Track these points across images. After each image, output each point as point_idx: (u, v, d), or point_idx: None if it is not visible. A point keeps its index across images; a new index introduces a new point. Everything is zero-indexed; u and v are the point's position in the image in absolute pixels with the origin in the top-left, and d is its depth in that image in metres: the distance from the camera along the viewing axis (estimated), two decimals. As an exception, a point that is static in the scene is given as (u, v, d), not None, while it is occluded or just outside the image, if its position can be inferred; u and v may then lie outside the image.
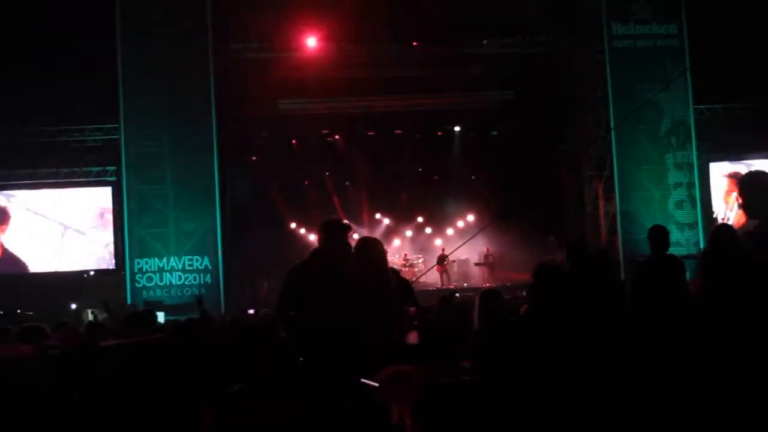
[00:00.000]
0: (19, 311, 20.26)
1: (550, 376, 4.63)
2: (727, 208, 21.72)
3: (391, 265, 7.25)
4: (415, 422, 4.27)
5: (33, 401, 4.06)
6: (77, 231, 22.15)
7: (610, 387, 4.73)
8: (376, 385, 4.41)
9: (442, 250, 25.66)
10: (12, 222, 22.07)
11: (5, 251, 22.03)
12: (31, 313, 19.16)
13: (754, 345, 5.17)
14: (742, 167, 22.09)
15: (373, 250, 6.08)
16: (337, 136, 25.15)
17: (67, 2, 19.44)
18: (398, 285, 6.40)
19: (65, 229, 22.10)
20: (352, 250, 6.00)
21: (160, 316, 15.48)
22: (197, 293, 19.63)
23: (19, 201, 22.19)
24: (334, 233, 5.92)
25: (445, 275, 25.05)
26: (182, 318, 14.48)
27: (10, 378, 4.28)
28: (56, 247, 22.09)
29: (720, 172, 22.17)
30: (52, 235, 22.07)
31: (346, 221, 6.34)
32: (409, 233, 28.30)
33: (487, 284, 22.28)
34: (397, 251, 26.96)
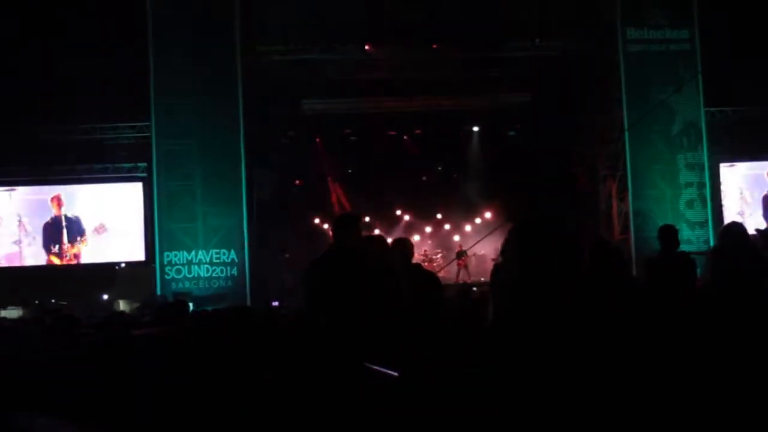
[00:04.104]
0: (53, 301, 20.92)
1: (561, 373, 4.45)
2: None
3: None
4: None
5: (68, 388, 3.96)
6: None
7: (620, 383, 4.47)
8: (395, 374, 4.32)
9: (459, 246, 26.20)
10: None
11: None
12: (64, 303, 19.82)
13: (763, 341, 4.99)
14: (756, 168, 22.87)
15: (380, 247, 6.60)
16: (359, 136, 25.77)
17: (100, 4, 20.05)
18: (426, 283, 6.85)
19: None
20: (368, 243, 6.47)
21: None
22: (224, 285, 20.44)
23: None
24: (346, 227, 6.27)
25: (464, 270, 25.59)
26: (209, 308, 15.21)
27: (45, 365, 4.27)
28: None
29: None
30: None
31: (352, 214, 6.66)
32: (428, 229, 28.80)
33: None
34: (417, 246, 27.36)
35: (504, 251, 4.94)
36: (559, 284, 4.66)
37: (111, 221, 22.87)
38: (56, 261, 22.64)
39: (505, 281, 4.87)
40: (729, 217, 21.07)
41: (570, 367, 4.43)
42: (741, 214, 22.05)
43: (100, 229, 22.74)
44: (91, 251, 22.86)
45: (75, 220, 22.69)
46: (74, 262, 22.74)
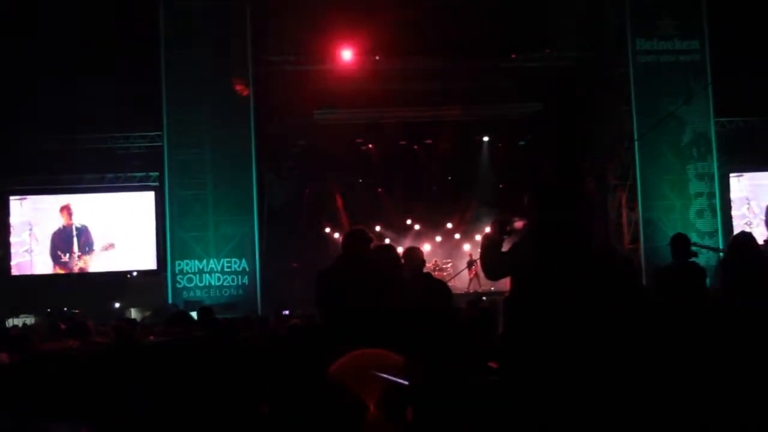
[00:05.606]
0: (66, 309, 21.05)
1: (572, 382, 4.48)
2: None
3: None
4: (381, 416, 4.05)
5: (79, 393, 4.17)
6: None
7: (631, 391, 4.55)
8: (406, 382, 4.22)
9: (470, 255, 26.19)
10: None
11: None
12: (76, 311, 19.96)
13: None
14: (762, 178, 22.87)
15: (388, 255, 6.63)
16: (370, 145, 25.75)
17: (112, 14, 20.06)
18: (436, 291, 6.82)
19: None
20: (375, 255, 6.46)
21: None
22: (235, 294, 20.53)
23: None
24: (356, 241, 6.38)
25: (475, 279, 25.59)
26: (220, 317, 15.22)
27: (58, 371, 4.41)
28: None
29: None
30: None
31: (363, 230, 6.71)
32: (438, 239, 28.83)
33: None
34: (427, 256, 27.28)
35: (519, 251, 4.99)
36: (573, 288, 4.73)
37: (122, 232, 22.95)
38: (62, 271, 22.71)
39: (520, 279, 4.93)
40: (738, 227, 21.12)
41: (584, 371, 4.50)
42: (748, 224, 22.07)
43: (108, 248, 22.81)
44: (101, 262, 22.94)
45: (85, 230, 22.79)
46: (83, 271, 22.81)
